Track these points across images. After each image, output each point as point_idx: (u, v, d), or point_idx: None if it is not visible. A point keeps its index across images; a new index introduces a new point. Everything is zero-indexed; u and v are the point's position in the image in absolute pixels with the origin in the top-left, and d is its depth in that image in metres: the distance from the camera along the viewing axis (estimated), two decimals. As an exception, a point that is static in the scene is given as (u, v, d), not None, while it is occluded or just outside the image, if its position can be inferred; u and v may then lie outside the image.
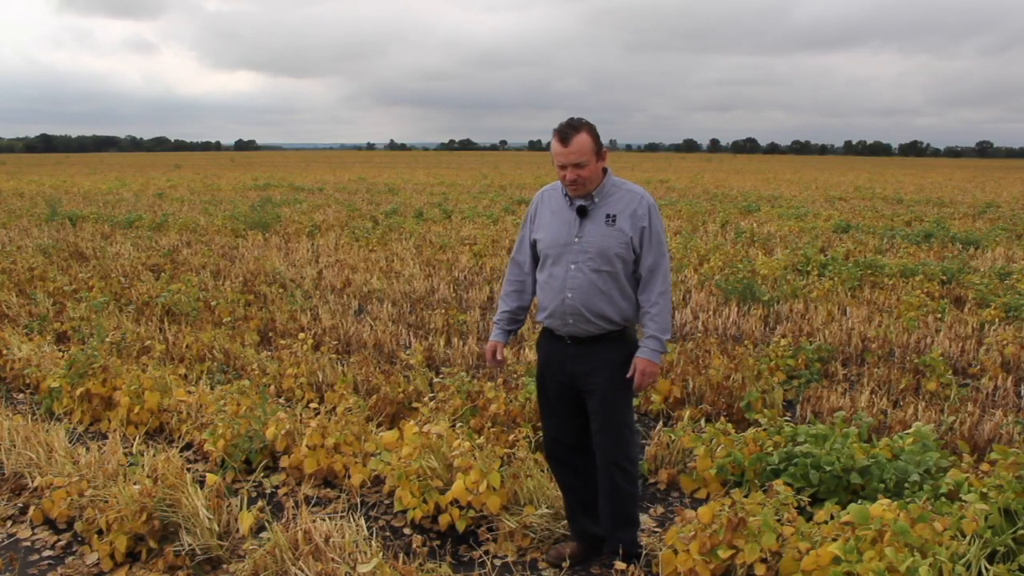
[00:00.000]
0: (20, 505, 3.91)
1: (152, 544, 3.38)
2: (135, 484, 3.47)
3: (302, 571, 2.95)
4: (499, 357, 3.39)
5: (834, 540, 2.84)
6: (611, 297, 3.06)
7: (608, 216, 3.04)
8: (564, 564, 3.32)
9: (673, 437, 4.31)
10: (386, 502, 3.93)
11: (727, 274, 8.80)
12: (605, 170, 3.07)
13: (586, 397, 3.18)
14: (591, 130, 2.98)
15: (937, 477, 3.59)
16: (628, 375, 3.08)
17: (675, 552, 3.05)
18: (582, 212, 3.06)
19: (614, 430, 3.14)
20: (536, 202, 3.24)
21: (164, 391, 4.93)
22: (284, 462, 4.22)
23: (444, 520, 3.58)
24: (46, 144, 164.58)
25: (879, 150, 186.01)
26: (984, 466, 3.74)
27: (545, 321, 3.20)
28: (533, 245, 3.22)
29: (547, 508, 3.59)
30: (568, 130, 2.95)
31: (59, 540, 3.61)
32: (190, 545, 3.33)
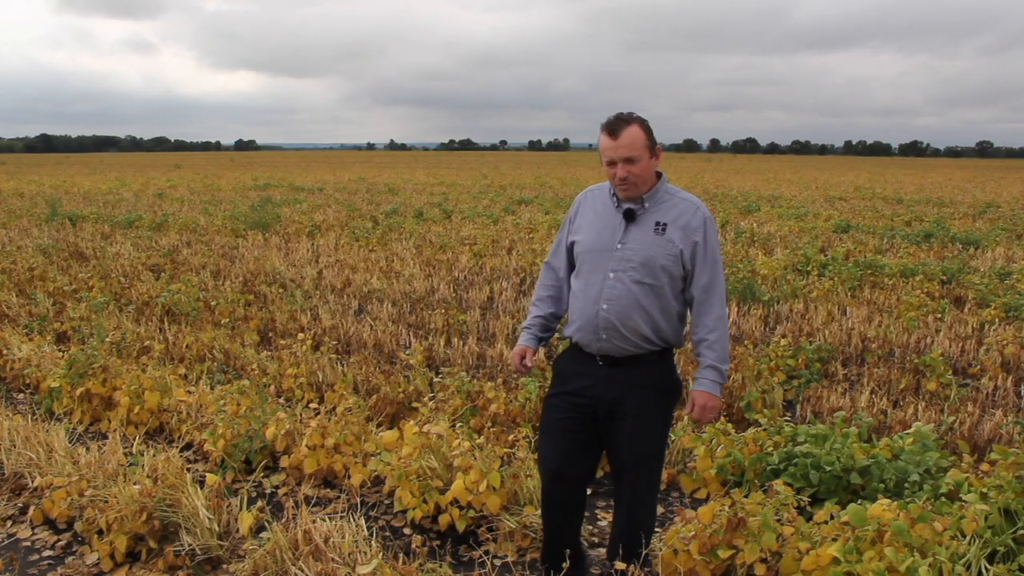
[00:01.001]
0: (20, 505, 3.91)
1: (152, 544, 3.37)
2: (135, 484, 3.46)
3: (302, 571, 2.95)
4: (528, 363, 2.96)
5: (834, 540, 2.84)
6: (651, 314, 2.75)
7: (658, 224, 2.74)
8: (564, 565, 3.32)
9: (673, 437, 4.31)
10: (386, 502, 3.93)
11: (727, 274, 8.79)
12: (659, 174, 2.79)
13: (610, 426, 2.85)
14: (643, 124, 2.70)
15: (937, 477, 3.59)
16: (687, 411, 2.84)
17: (675, 552, 3.05)
18: (629, 216, 2.76)
19: (644, 463, 2.87)
20: (578, 202, 2.94)
21: (164, 391, 4.93)
22: (284, 462, 4.22)
23: (444, 520, 3.58)
24: (46, 144, 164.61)
25: (879, 150, 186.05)
26: (984, 466, 3.74)
27: (575, 335, 2.87)
28: (570, 249, 2.92)
29: (547, 508, 3.58)
30: (617, 122, 2.67)
31: (59, 540, 3.61)
32: (190, 545, 3.33)
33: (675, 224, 2.74)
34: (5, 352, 6.03)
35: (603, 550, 3.37)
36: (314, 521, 3.08)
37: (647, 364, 2.83)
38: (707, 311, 2.80)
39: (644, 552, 3.11)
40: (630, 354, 2.79)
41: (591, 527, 3.71)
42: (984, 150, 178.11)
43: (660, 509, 3.94)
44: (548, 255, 3.04)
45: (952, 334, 6.64)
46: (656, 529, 3.65)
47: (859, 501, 3.09)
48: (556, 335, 3.29)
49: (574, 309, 2.87)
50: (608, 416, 2.84)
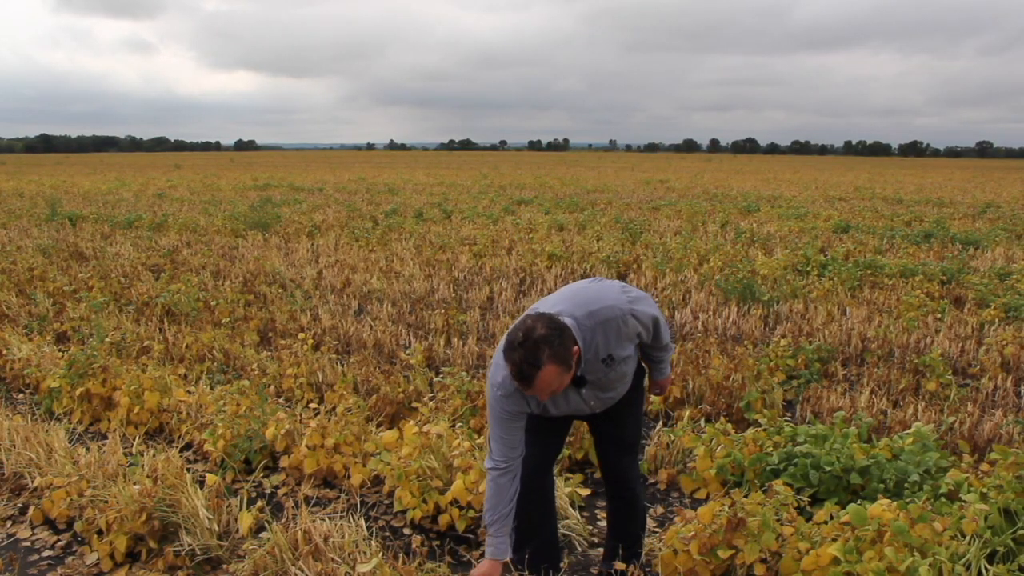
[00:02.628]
0: (20, 505, 3.91)
1: (152, 544, 3.38)
2: (135, 484, 3.47)
3: (302, 571, 2.95)
4: None
5: (834, 540, 2.84)
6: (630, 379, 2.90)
7: (604, 360, 2.63)
8: (563, 565, 3.32)
9: (673, 437, 4.31)
10: (386, 502, 3.93)
11: (727, 274, 8.80)
12: (573, 337, 2.52)
13: (600, 421, 2.97)
14: (553, 355, 2.37)
15: (937, 477, 3.59)
16: (653, 392, 3.10)
17: (675, 552, 3.05)
18: (579, 383, 2.65)
19: (633, 451, 3.07)
20: (516, 401, 2.64)
21: (164, 391, 4.93)
22: (284, 462, 4.22)
23: (444, 520, 3.58)
24: (46, 144, 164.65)
25: (879, 150, 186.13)
26: (984, 466, 3.74)
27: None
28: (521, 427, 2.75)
29: (547, 508, 3.58)
30: (527, 370, 2.37)
31: (59, 540, 3.61)
32: (190, 545, 3.33)
33: (619, 345, 2.65)
34: (5, 352, 6.03)
35: (603, 550, 3.37)
36: (314, 521, 3.09)
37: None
38: (659, 349, 2.93)
39: (642, 551, 3.14)
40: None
41: (591, 527, 3.71)
42: (984, 150, 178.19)
43: (660, 509, 3.95)
44: (503, 457, 2.70)
45: (952, 334, 6.65)
46: (656, 529, 3.65)
47: (859, 501, 3.09)
48: None
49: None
50: (593, 418, 2.97)
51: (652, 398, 5.13)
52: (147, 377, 4.94)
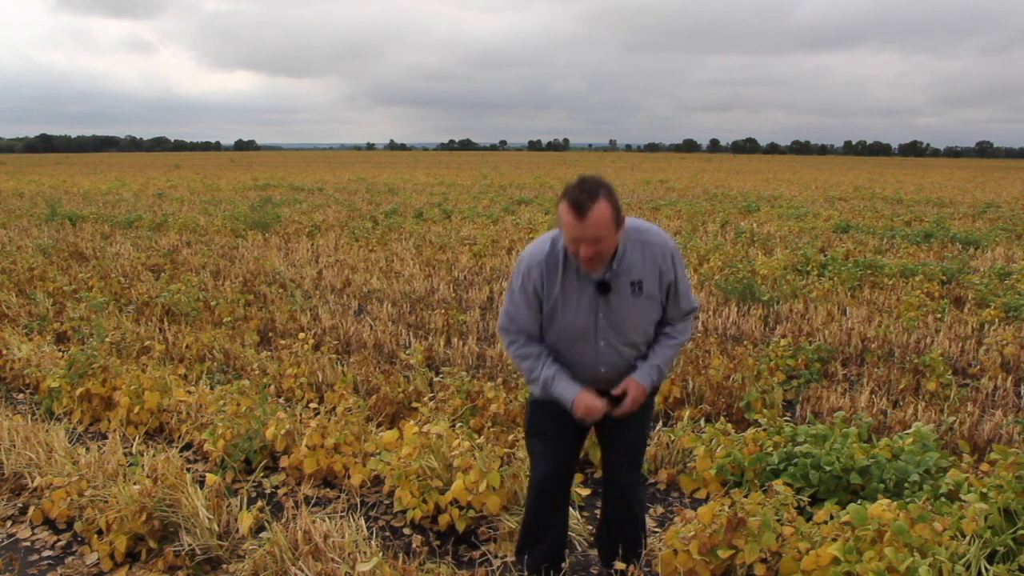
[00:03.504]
0: (20, 505, 3.91)
1: (152, 544, 3.38)
2: (135, 484, 3.47)
3: (302, 571, 2.95)
4: (602, 407, 2.71)
5: (834, 540, 2.84)
6: (642, 348, 2.78)
7: (634, 284, 2.63)
8: (563, 565, 3.32)
9: (673, 437, 4.31)
10: (386, 502, 3.93)
11: (727, 274, 8.80)
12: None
13: (609, 429, 2.92)
14: (609, 194, 2.46)
15: (937, 477, 3.59)
16: (619, 392, 2.77)
17: (675, 552, 3.05)
18: (603, 288, 2.63)
19: (639, 460, 3.05)
20: (537, 275, 2.66)
21: (164, 391, 4.93)
22: (284, 462, 4.22)
23: (444, 520, 3.58)
24: (46, 144, 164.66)
25: (879, 150, 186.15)
26: (984, 466, 3.74)
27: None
28: (540, 315, 2.74)
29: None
30: (584, 199, 2.42)
31: (59, 540, 3.61)
32: (190, 545, 3.33)
33: (650, 276, 2.66)
34: (5, 352, 6.03)
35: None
36: (314, 521, 3.09)
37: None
38: (679, 317, 2.81)
39: (643, 550, 3.13)
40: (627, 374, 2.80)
41: (591, 527, 3.70)
42: (984, 150, 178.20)
43: (660, 509, 3.95)
44: (515, 324, 2.76)
45: (952, 334, 6.65)
46: (656, 529, 3.66)
47: (859, 501, 3.09)
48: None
49: (567, 365, 2.77)
50: (603, 422, 2.86)
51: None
52: (147, 377, 4.94)
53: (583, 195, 2.43)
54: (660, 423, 4.76)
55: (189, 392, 4.97)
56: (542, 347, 2.77)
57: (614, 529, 3.13)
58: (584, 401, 2.67)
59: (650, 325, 2.76)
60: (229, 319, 7.18)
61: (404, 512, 3.69)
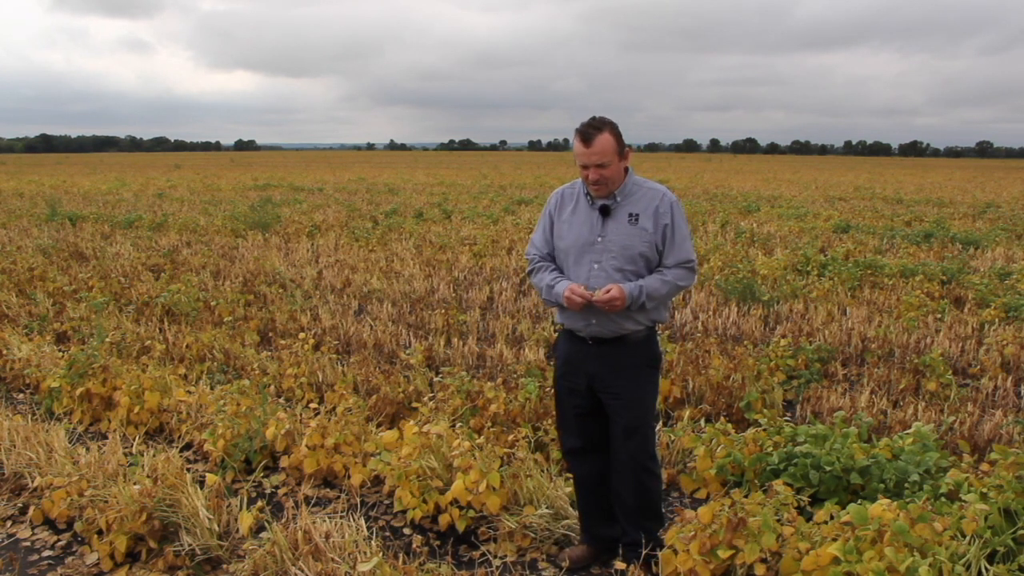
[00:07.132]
0: (20, 505, 3.91)
1: (152, 544, 3.37)
2: (135, 484, 3.47)
3: (302, 571, 2.95)
4: (585, 292, 2.97)
5: (834, 540, 2.84)
6: (633, 279, 3.02)
7: (631, 215, 3.02)
8: (564, 565, 3.32)
9: (673, 437, 4.31)
10: (386, 502, 3.93)
11: (727, 274, 8.80)
12: (627, 169, 3.06)
13: (606, 399, 3.14)
14: (613, 129, 2.95)
15: (937, 477, 3.59)
16: (603, 295, 2.93)
17: (675, 552, 3.05)
18: (605, 211, 3.03)
19: (638, 433, 3.13)
20: (555, 201, 3.18)
21: (164, 391, 4.93)
22: (284, 462, 4.22)
23: (444, 520, 3.58)
24: (46, 144, 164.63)
25: (879, 150, 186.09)
26: (984, 466, 3.74)
27: (566, 323, 3.14)
28: (552, 239, 3.17)
29: (547, 508, 3.58)
30: (590, 130, 2.92)
31: (59, 540, 3.61)
32: (190, 545, 3.33)
33: (646, 213, 3.02)
34: (5, 352, 6.03)
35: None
36: (314, 521, 3.09)
37: (634, 343, 3.08)
38: (674, 264, 3.07)
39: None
40: (618, 334, 3.05)
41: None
42: (984, 150, 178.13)
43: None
44: (535, 247, 3.22)
45: (952, 334, 6.65)
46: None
47: (859, 501, 3.09)
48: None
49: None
50: (603, 391, 3.12)
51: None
52: (147, 377, 4.94)
53: (590, 128, 2.92)
54: (660, 423, 4.76)
55: (189, 392, 4.97)
56: (552, 265, 3.18)
57: (614, 496, 3.25)
58: (572, 289, 3.00)
59: (641, 258, 3.02)
60: (229, 319, 7.19)
61: (404, 512, 3.69)
